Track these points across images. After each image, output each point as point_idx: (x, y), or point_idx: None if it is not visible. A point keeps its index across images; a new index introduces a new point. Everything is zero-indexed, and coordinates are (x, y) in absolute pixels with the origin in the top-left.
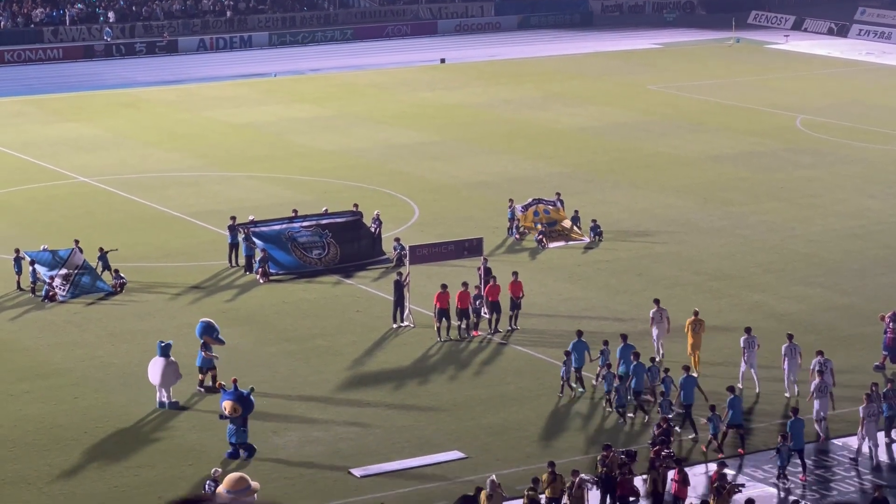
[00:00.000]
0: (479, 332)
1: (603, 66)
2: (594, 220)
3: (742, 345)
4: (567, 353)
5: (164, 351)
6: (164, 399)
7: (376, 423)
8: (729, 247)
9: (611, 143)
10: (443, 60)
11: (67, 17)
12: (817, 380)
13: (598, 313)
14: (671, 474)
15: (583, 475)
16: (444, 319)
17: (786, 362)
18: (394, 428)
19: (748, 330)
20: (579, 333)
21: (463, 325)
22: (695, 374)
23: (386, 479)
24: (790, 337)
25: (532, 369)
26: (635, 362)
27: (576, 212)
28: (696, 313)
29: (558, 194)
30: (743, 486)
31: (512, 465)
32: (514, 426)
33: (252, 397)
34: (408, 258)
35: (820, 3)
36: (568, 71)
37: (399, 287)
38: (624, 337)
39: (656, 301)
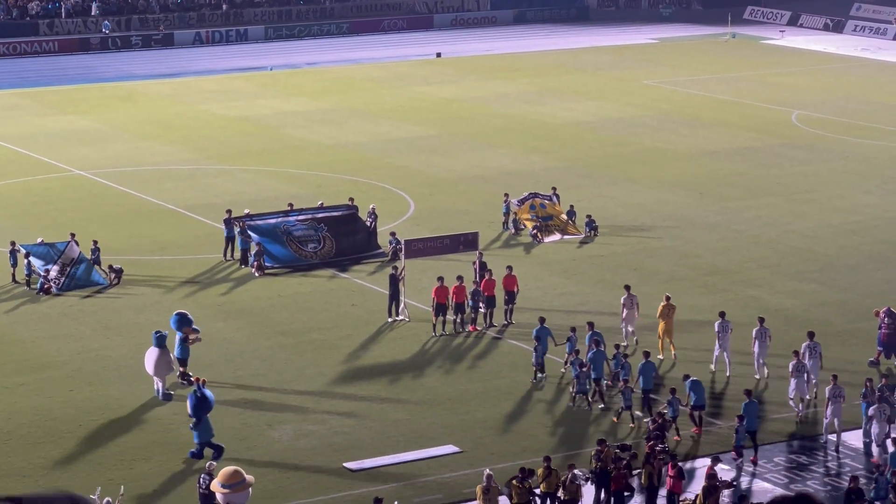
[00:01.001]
0: (477, 328)
1: (599, 61)
2: (589, 215)
3: (716, 329)
4: (537, 339)
5: (160, 341)
6: (158, 388)
7: (371, 417)
8: (724, 242)
9: (606, 138)
10: (439, 54)
11: (63, 10)
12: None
13: (593, 308)
14: (666, 469)
15: (577, 470)
16: (441, 314)
17: (756, 345)
18: (388, 422)
19: (722, 314)
20: (542, 320)
21: (458, 320)
22: (654, 361)
23: (380, 472)
24: (761, 320)
25: (527, 363)
26: (595, 349)
27: (571, 206)
28: (667, 298)
29: (554, 189)
30: (735, 483)
31: (507, 460)
32: (508, 420)
33: (208, 393)
34: (403, 252)
35: None
36: (564, 65)
37: (394, 281)
38: (591, 325)
39: (627, 287)
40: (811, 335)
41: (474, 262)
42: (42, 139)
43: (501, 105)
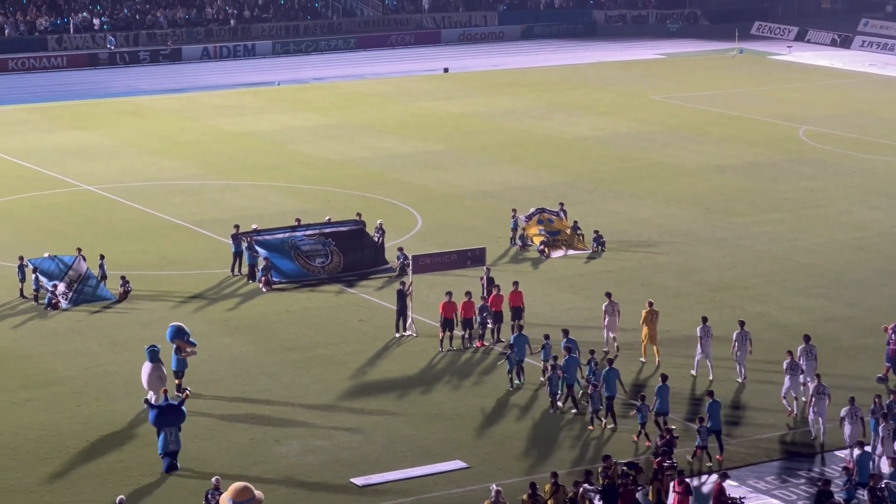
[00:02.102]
0: (484, 343)
1: (606, 76)
2: (596, 231)
3: (698, 333)
4: (511, 347)
5: (153, 356)
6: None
7: (378, 433)
8: (731, 257)
9: (613, 153)
10: (446, 70)
11: (71, 26)
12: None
13: (599, 323)
14: (673, 485)
15: (586, 485)
16: (448, 329)
17: (736, 348)
18: (396, 437)
19: (704, 319)
20: (520, 328)
21: (466, 335)
22: (617, 368)
23: (388, 488)
24: (741, 324)
25: (534, 379)
26: (567, 356)
27: (575, 222)
28: (650, 304)
29: (561, 204)
30: (744, 498)
31: (514, 475)
32: (516, 436)
33: (184, 408)
34: (410, 267)
35: (823, 15)
36: (571, 81)
37: (402, 296)
38: (565, 332)
39: (608, 294)
40: (807, 338)
41: (482, 278)
42: (50, 154)
43: (509, 120)
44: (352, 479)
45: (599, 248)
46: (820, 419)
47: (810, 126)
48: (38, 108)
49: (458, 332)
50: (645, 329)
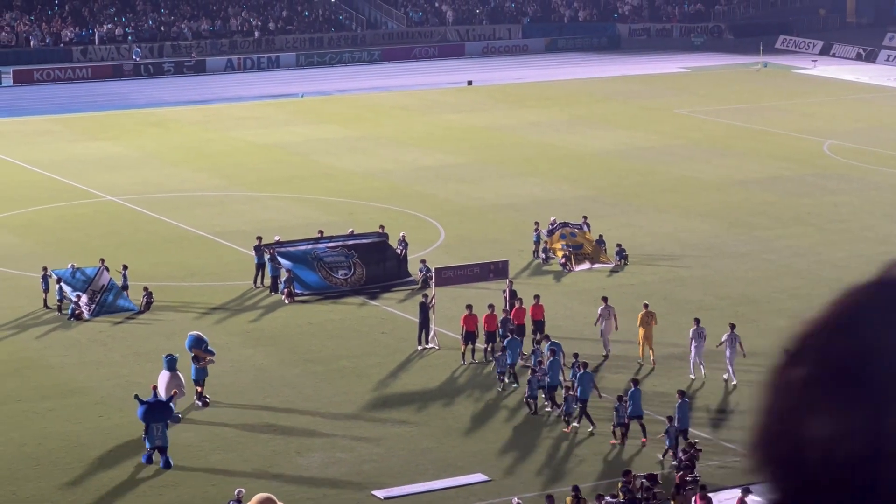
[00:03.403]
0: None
1: (629, 90)
2: (619, 244)
3: (691, 335)
4: (503, 349)
5: (171, 365)
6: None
7: (400, 445)
8: (754, 272)
9: (636, 167)
10: (470, 82)
11: (96, 37)
12: None
13: (622, 337)
14: (695, 500)
15: (608, 498)
16: (469, 342)
17: (727, 349)
18: (417, 450)
19: (697, 321)
20: (510, 331)
21: (489, 348)
22: (591, 373)
23: (409, 501)
24: (732, 326)
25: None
26: (551, 358)
27: (600, 236)
28: (646, 306)
29: (585, 218)
30: None
31: (535, 489)
32: (538, 449)
33: (172, 404)
34: (433, 280)
35: (848, 29)
36: (594, 94)
37: (424, 309)
38: (546, 337)
39: (604, 299)
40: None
41: (504, 291)
42: (74, 165)
43: (532, 133)
44: (373, 492)
45: (622, 261)
46: None
47: (835, 140)
48: (62, 119)
49: (480, 344)
50: (641, 331)
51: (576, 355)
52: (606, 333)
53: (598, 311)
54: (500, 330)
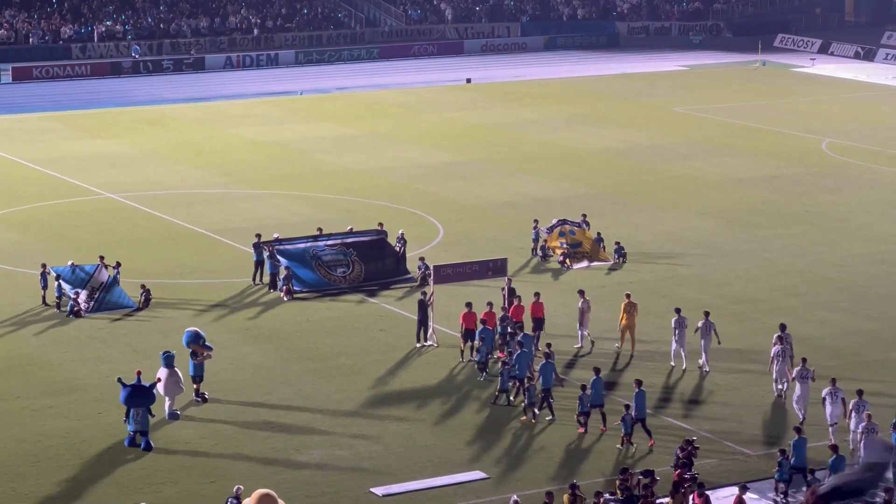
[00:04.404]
0: (504, 354)
1: (628, 88)
2: (618, 242)
3: (673, 325)
4: (482, 340)
5: (168, 361)
6: (166, 409)
7: (398, 442)
8: (753, 270)
9: (635, 165)
10: (469, 80)
11: (95, 34)
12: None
13: (602, 328)
14: (692, 497)
15: (606, 495)
16: (469, 340)
17: (701, 338)
18: (416, 447)
19: (678, 311)
20: (483, 322)
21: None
22: (553, 363)
23: (408, 498)
24: (706, 314)
25: (554, 390)
26: (518, 351)
27: (598, 234)
28: (627, 296)
29: (584, 216)
30: None
31: (534, 487)
32: (536, 447)
33: (156, 391)
34: (432, 277)
35: (847, 27)
36: (593, 92)
37: (423, 306)
38: (520, 327)
39: (581, 292)
40: (783, 327)
41: (503, 289)
42: (73, 162)
43: (531, 131)
44: (372, 489)
45: (621, 259)
46: (803, 402)
47: (833, 139)
48: (61, 117)
49: (478, 342)
50: (623, 318)
51: (548, 345)
52: (583, 326)
53: (579, 305)
54: (499, 328)
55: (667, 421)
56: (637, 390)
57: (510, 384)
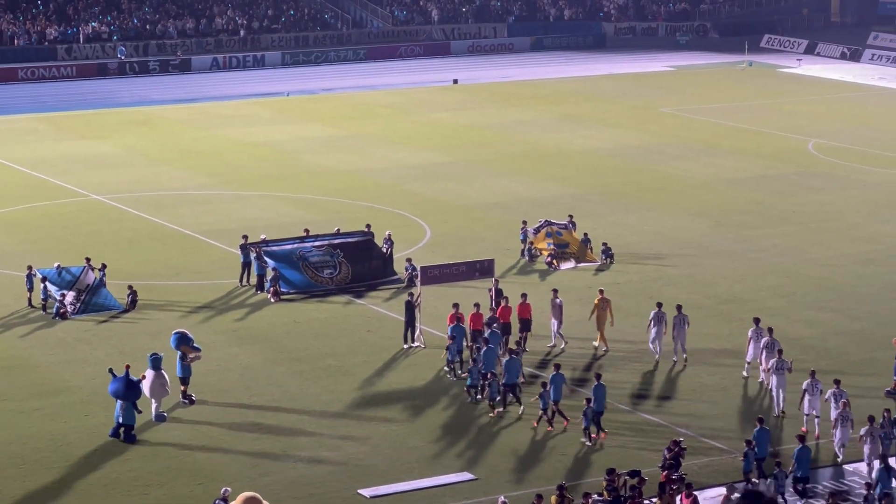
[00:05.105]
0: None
1: (615, 89)
2: (605, 243)
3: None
4: (452, 338)
5: (155, 363)
6: (153, 411)
7: (386, 444)
8: (741, 270)
9: (623, 166)
10: (455, 81)
11: (81, 36)
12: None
13: (608, 335)
14: (681, 498)
15: (595, 496)
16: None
17: (675, 331)
18: (403, 448)
19: (679, 308)
20: (459, 318)
21: (475, 347)
22: (518, 359)
23: (395, 499)
24: (679, 308)
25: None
26: (485, 347)
27: (585, 234)
28: (601, 292)
29: (570, 217)
30: None
31: (521, 487)
32: (523, 447)
33: (142, 386)
34: (419, 279)
35: (833, 28)
36: (580, 93)
37: (410, 307)
38: (488, 324)
39: (554, 291)
40: (756, 321)
41: (490, 290)
42: (59, 164)
43: (518, 132)
44: (359, 491)
45: (608, 260)
46: (780, 391)
47: (820, 139)
48: (47, 118)
49: (465, 343)
50: (595, 313)
51: (518, 343)
52: (557, 325)
53: (550, 302)
54: (486, 329)
55: (654, 421)
56: (596, 384)
57: (479, 381)
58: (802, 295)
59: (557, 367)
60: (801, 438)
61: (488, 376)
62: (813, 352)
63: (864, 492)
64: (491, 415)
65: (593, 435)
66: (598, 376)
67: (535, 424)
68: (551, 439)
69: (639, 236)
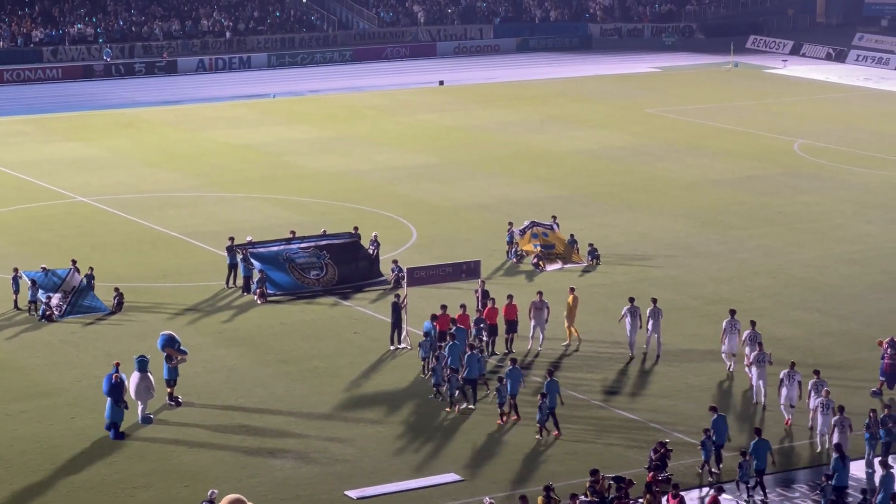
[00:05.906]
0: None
1: (601, 90)
2: (591, 244)
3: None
4: (426, 335)
5: (141, 366)
6: (139, 413)
7: (372, 445)
8: (726, 271)
9: (609, 167)
10: (441, 82)
11: (67, 38)
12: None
13: (594, 336)
14: (667, 499)
15: (582, 497)
16: (443, 342)
17: (650, 324)
18: (390, 450)
19: (654, 300)
20: (433, 317)
21: (439, 345)
22: (477, 354)
23: (382, 501)
24: (654, 301)
25: (527, 392)
26: (451, 342)
27: (571, 235)
28: (571, 290)
29: (554, 217)
30: None
31: (507, 488)
32: (510, 449)
33: (127, 385)
34: (405, 280)
35: (818, 29)
36: (566, 94)
37: (397, 309)
38: (454, 321)
39: (539, 293)
40: (732, 312)
41: (476, 291)
42: (45, 166)
43: (504, 133)
44: (346, 492)
45: (594, 261)
46: (761, 383)
47: (805, 140)
48: (33, 120)
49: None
50: (567, 311)
51: (479, 340)
52: (538, 324)
53: (532, 302)
54: (473, 330)
55: (639, 422)
56: (549, 379)
57: (443, 381)
58: (788, 295)
59: (514, 361)
60: (758, 432)
61: (448, 372)
62: (799, 352)
63: (860, 496)
64: (447, 409)
65: (548, 431)
66: (551, 372)
67: (501, 421)
68: (538, 442)
69: (624, 237)
